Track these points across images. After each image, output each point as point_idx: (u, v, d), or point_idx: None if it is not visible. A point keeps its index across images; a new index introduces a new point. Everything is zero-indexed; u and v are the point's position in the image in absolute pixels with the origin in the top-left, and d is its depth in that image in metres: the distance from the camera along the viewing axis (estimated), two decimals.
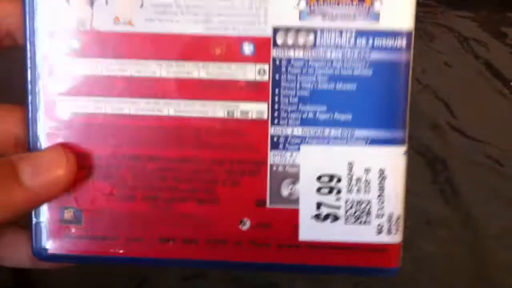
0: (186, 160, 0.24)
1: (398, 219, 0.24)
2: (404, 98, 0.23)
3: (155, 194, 0.24)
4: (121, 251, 0.25)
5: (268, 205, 0.24)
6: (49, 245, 0.25)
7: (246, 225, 0.24)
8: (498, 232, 0.33)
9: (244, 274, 0.34)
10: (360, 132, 0.23)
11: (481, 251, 0.33)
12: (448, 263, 0.33)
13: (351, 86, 0.23)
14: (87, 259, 0.25)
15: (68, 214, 0.25)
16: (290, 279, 0.34)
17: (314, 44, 0.23)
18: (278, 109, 0.24)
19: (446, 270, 0.33)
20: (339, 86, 0.23)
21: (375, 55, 0.23)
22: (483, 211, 0.33)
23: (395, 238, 0.24)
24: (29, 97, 0.24)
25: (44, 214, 0.24)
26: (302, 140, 0.24)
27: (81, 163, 0.24)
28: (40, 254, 0.25)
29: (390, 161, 0.24)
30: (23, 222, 0.25)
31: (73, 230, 0.25)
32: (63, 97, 0.24)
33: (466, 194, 0.33)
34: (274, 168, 0.24)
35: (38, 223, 0.25)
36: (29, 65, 0.24)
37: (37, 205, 0.24)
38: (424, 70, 0.34)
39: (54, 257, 0.25)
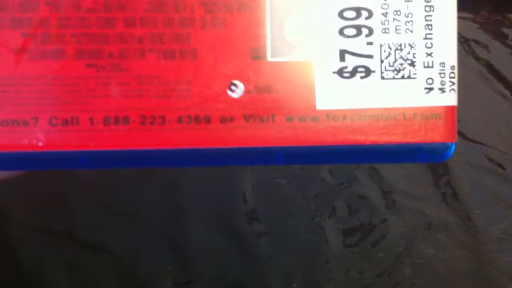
0: None
1: (452, 70, 0.17)
2: None
3: (95, 47, 0.16)
4: (41, 143, 0.16)
5: (269, 57, 0.16)
6: None
7: (239, 89, 0.16)
8: (500, 236, 0.33)
9: (240, 277, 0.32)
10: None
11: (482, 256, 0.33)
12: (449, 267, 0.33)
13: None
14: None
15: None
16: (287, 282, 0.32)
17: None
18: None
19: (446, 275, 0.33)
20: None
21: None
22: (485, 214, 0.33)
23: (451, 98, 0.17)
24: None
25: None
26: None
27: None
28: None
29: None
30: None
31: None
32: None
33: (467, 198, 0.33)
34: None
35: None
36: None
37: None
38: None
39: None
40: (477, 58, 0.33)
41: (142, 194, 0.32)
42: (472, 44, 0.33)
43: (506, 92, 0.33)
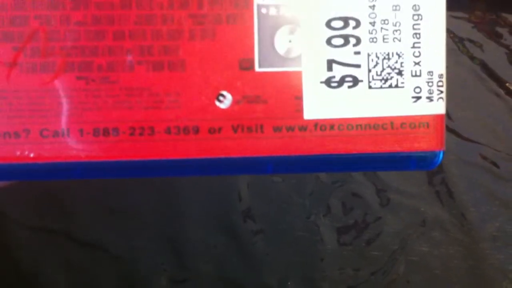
0: (130, 3, 0.16)
1: (440, 78, 0.17)
2: None
3: (85, 60, 0.16)
4: (32, 154, 0.16)
5: (257, 67, 0.16)
6: None
7: (227, 100, 0.16)
8: (494, 234, 0.33)
9: (236, 275, 0.33)
10: None
11: (476, 253, 0.33)
12: (443, 265, 0.33)
13: None
14: None
15: None
16: (282, 280, 0.32)
17: None
18: None
19: (441, 272, 0.33)
20: None
21: None
22: (479, 213, 0.33)
23: (439, 107, 0.17)
24: None
25: None
26: None
27: None
28: None
29: None
30: None
31: None
32: None
33: (462, 196, 0.33)
34: (264, 10, 0.16)
35: None
36: None
37: None
38: None
39: None
40: (472, 58, 0.33)
41: (140, 194, 0.32)
42: (467, 43, 0.33)
43: (500, 91, 0.33)
